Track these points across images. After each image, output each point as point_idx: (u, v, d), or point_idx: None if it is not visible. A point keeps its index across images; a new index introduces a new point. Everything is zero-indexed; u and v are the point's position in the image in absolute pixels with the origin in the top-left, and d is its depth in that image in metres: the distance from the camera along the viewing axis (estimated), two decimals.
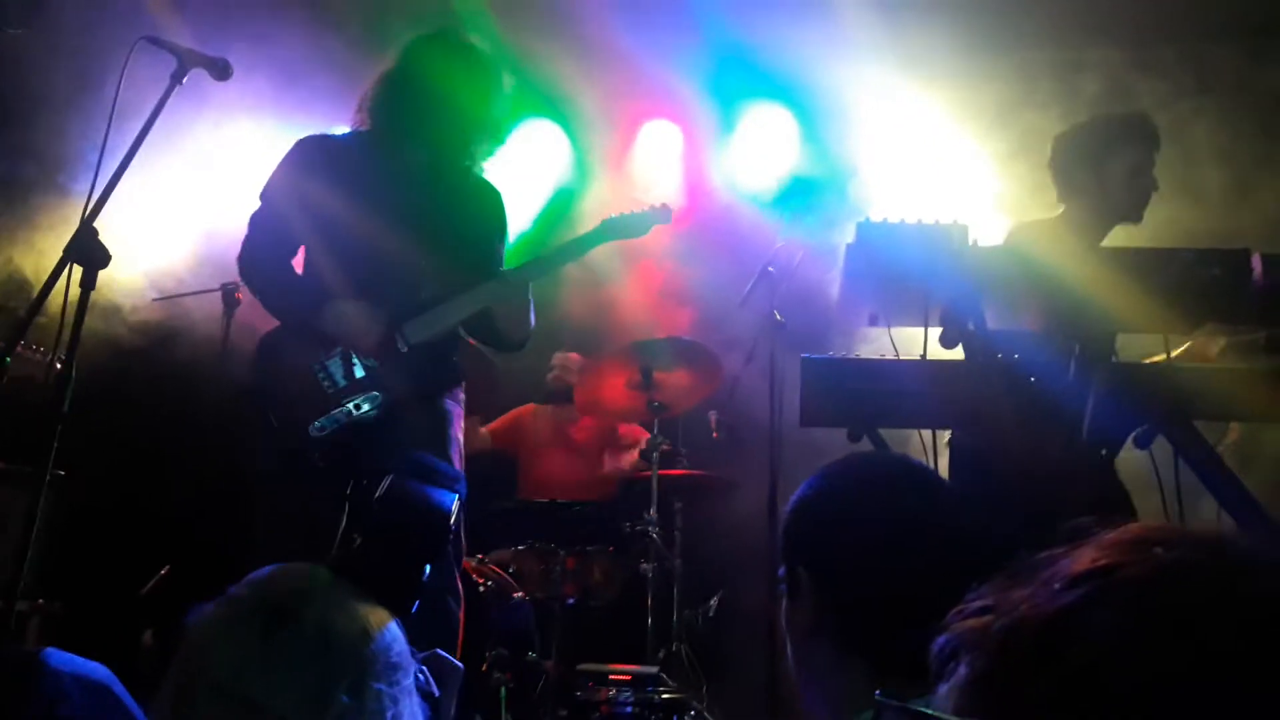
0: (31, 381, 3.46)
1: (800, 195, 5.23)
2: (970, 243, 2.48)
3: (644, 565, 4.27)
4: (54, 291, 2.42)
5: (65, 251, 2.41)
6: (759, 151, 5.64)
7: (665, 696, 3.81)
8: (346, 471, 2.69)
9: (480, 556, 4.16)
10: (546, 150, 5.73)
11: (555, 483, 4.93)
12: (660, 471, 4.39)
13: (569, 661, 4.05)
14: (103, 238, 2.44)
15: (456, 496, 1.85)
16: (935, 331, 2.51)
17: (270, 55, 4.47)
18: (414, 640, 1.42)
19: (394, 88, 3.08)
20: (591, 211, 5.61)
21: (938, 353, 2.54)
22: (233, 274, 4.23)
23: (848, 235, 2.61)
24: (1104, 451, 2.52)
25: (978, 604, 0.69)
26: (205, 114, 4.56)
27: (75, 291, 2.42)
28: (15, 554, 2.33)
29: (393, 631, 1.31)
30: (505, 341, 3.19)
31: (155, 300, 4.74)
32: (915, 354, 2.59)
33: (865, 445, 2.59)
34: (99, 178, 2.51)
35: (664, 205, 3.43)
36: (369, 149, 3.08)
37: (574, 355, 5.27)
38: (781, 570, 1.46)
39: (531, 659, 4.05)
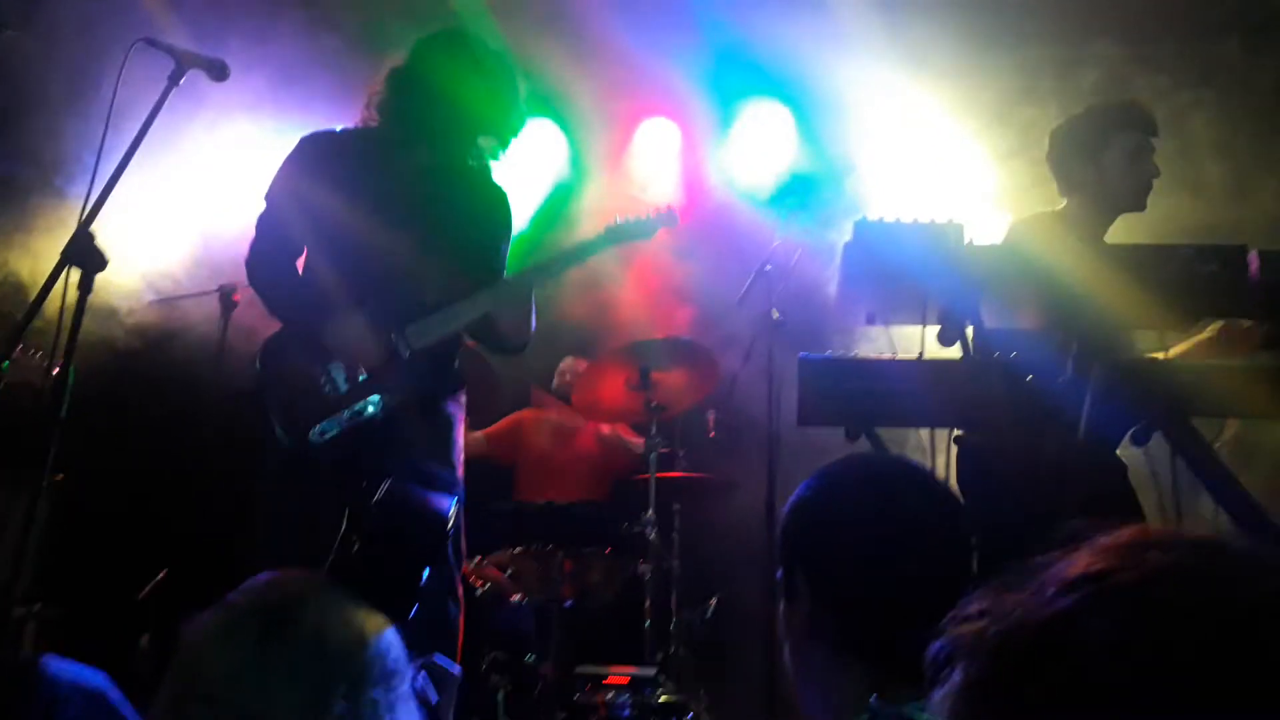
0: (29, 386, 3.46)
1: (798, 193, 5.22)
2: (966, 242, 2.47)
3: (642, 567, 4.26)
4: (51, 295, 2.42)
5: (62, 255, 2.41)
6: (757, 149, 5.63)
7: (663, 699, 3.81)
8: (348, 475, 2.70)
9: (478, 559, 4.16)
10: (544, 149, 5.72)
11: (554, 490, 4.92)
12: (658, 473, 4.39)
13: (567, 664, 4.04)
14: (99, 240, 2.43)
15: (455, 500, 1.85)
16: (933, 330, 2.51)
17: (267, 55, 4.47)
18: (414, 645, 1.42)
19: (404, 85, 3.06)
20: (589, 210, 5.62)
21: (935, 351, 2.54)
22: (229, 276, 4.25)
23: (845, 234, 2.60)
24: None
25: (973, 608, 0.69)
26: (202, 115, 4.56)
27: (72, 295, 2.41)
28: (12, 558, 2.33)
29: (389, 638, 1.31)
30: (506, 345, 3.18)
31: (152, 303, 4.73)
32: (914, 352, 2.59)
33: (864, 444, 2.59)
34: (96, 180, 2.51)
35: (669, 209, 3.40)
36: (376, 146, 3.06)
37: (581, 362, 5.25)
38: (779, 573, 1.46)
39: (529, 662, 4.05)
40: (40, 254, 4.50)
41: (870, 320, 2.75)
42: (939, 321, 2.48)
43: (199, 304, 4.58)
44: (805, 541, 1.44)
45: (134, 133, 2.57)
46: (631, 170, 5.79)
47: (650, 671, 3.96)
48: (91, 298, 2.43)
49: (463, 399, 3.14)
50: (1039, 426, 2.41)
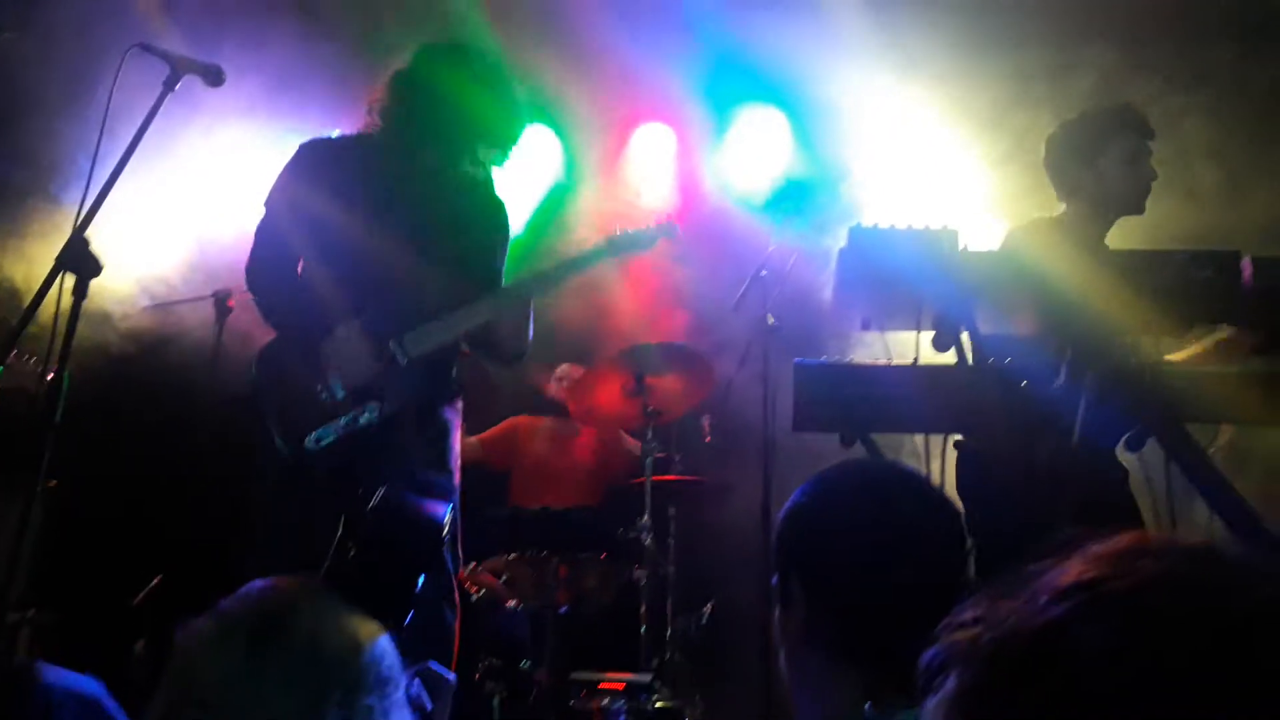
0: (24, 391, 3.45)
1: (793, 198, 5.23)
2: (961, 248, 2.48)
3: (637, 572, 4.25)
4: (45, 300, 2.42)
5: (57, 260, 2.40)
6: (752, 154, 5.64)
7: (659, 704, 3.81)
8: (344, 482, 2.70)
9: (472, 565, 4.15)
10: (539, 154, 5.72)
11: (549, 497, 4.92)
12: (654, 478, 4.38)
13: (562, 670, 4.03)
14: (94, 245, 2.43)
15: (450, 507, 1.85)
16: (928, 336, 2.52)
17: (262, 60, 4.47)
18: (410, 651, 1.42)
19: (406, 92, 3.06)
20: (585, 215, 5.62)
21: (930, 357, 2.54)
22: (224, 281, 4.24)
23: (840, 239, 2.61)
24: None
25: (966, 616, 0.69)
26: (197, 120, 4.56)
27: (67, 300, 2.41)
28: (7, 563, 2.32)
29: (383, 645, 1.31)
30: (503, 354, 3.17)
31: (147, 308, 4.73)
32: (908, 358, 2.59)
33: (859, 450, 2.59)
34: (91, 186, 2.51)
35: (669, 221, 3.38)
36: (375, 153, 3.06)
37: (577, 368, 5.24)
38: (774, 578, 1.46)
39: (524, 668, 4.04)
40: (34, 259, 4.49)
41: (865, 326, 2.75)
42: (934, 327, 2.48)
43: (194, 309, 4.58)
44: (801, 547, 1.44)
45: (129, 138, 2.56)
46: (627, 176, 5.80)
47: (646, 677, 3.96)
48: (86, 303, 2.43)
49: (459, 405, 3.14)
50: (1034, 432, 2.41)
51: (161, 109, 2.62)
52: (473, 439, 5.07)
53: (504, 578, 4.21)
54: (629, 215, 5.55)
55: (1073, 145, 3.19)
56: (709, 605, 4.41)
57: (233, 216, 4.64)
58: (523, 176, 5.56)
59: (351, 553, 1.77)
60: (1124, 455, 2.80)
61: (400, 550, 1.73)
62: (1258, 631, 0.59)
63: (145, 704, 1.33)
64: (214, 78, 2.71)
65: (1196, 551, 0.65)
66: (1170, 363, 2.59)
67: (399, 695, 1.31)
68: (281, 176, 3.06)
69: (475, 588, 4.11)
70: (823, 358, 2.66)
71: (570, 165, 5.81)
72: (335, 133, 3.18)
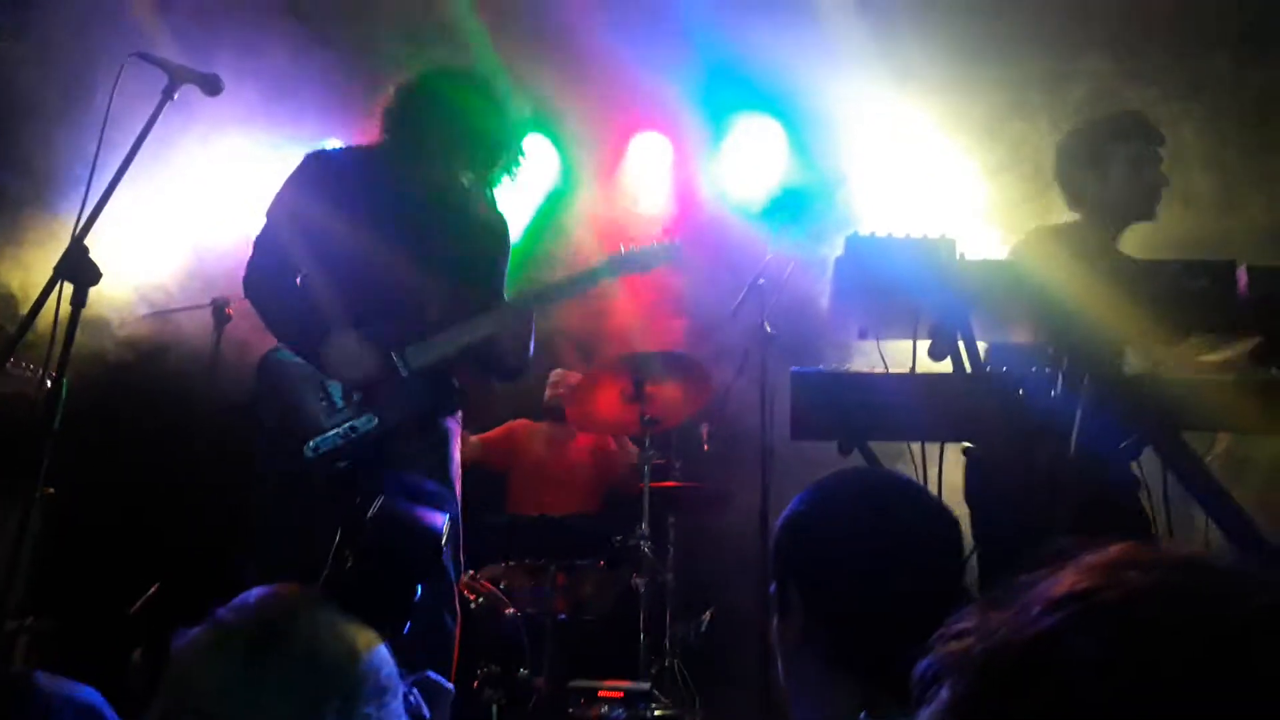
0: (23, 399, 3.45)
1: (790, 207, 5.24)
2: (958, 256, 2.49)
3: (636, 579, 4.25)
4: (44, 308, 2.42)
5: (56, 269, 2.41)
6: (749, 163, 5.65)
7: (658, 713, 3.81)
8: (343, 491, 2.70)
9: (471, 572, 4.15)
10: (537, 163, 5.73)
11: (547, 502, 4.92)
12: (652, 484, 4.39)
13: (561, 678, 4.03)
14: (92, 252, 2.43)
15: (448, 516, 1.85)
16: (924, 345, 2.52)
17: (260, 68, 4.47)
18: (410, 659, 1.42)
19: (410, 107, 3.05)
20: (582, 224, 5.63)
21: (927, 366, 2.55)
22: (222, 289, 4.25)
23: (837, 248, 2.61)
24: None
25: (959, 626, 0.69)
26: (194, 128, 4.56)
27: (65, 309, 2.41)
28: (5, 571, 2.32)
29: (381, 654, 1.31)
30: (503, 369, 3.18)
31: (145, 316, 4.73)
32: (906, 367, 2.60)
33: (856, 458, 2.60)
34: (89, 194, 2.51)
35: (673, 241, 3.36)
36: (379, 166, 3.05)
37: (572, 374, 5.25)
38: (772, 586, 1.47)
39: (523, 676, 4.04)
40: (31, 266, 4.49)
41: (862, 335, 2.76)
42: (930, 336, 2.49)
43: (192, 317, 4.58)
44: (798, 555, 1.44)
45: (126, 146, 2.57)
46: (625, 184, 5.81)
47: (644, 685, 3.96)
48: (84, 310, 2.43)
49: (460, 415, 3.15)
50: (1032, 440, 2.41)
51: (159, 117, 2.63)
52: (473, 438, 5.07)
53: (502, 585, 4.21)
54: (627, 225, 5.58)
55: (1080, 152, 3.17)
56: (708, 612, 4.41)
57: (231, 224, 4.64)
58: (520, 185, 5.57)
59: (350, 561, 1.77)
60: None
61: (398, 559, 1.73)
62: (1253, 639, 0.59)
63: (143, 713, 1.33)
64: (212, 87, 2.72)
65: (1187, 562, 0.66)
66: (1166, 371, 2.59)
67: (397, 704, 1.31)
68: (284, 187, 3.06)
69: (474, 595, 4.11)
70: (820, 366, 2.67)
71: (567, 173, 5.82)
72: (339, 144, 3.19)
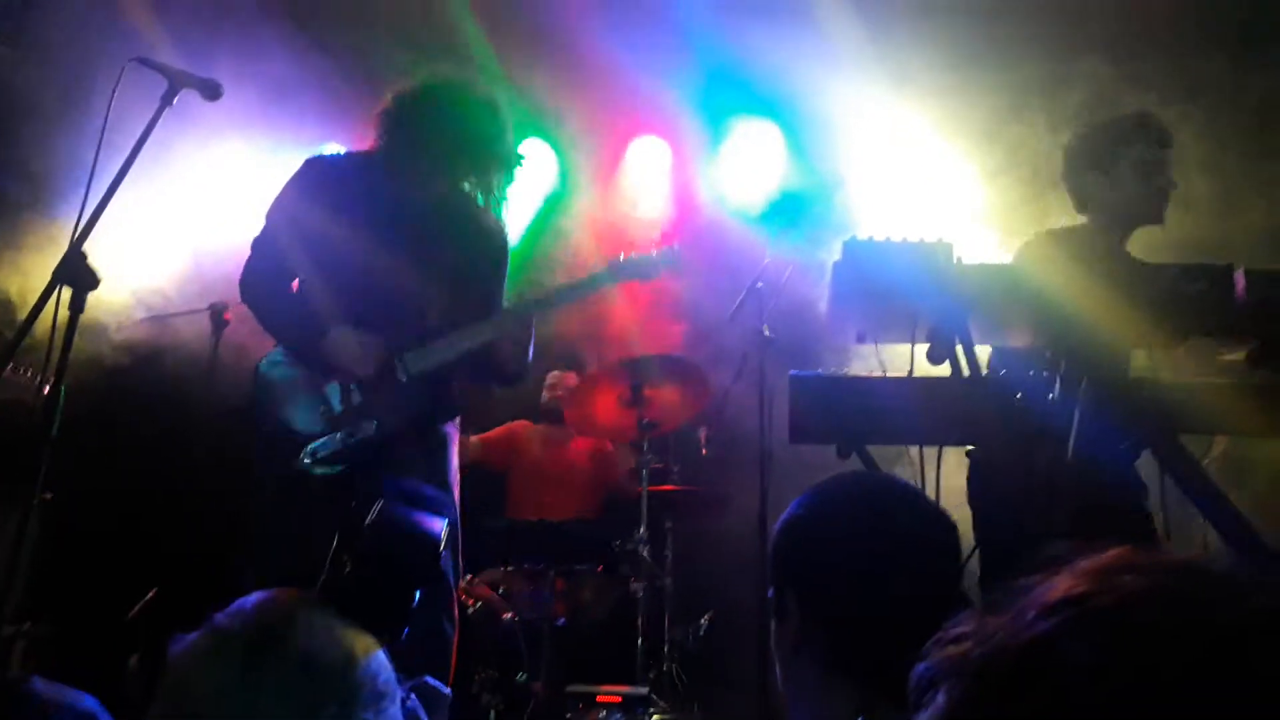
0: (21, 404, 3.45)
1: (788, 211, 5.25)
2: (955, 260, 2.49)
3: (634, 584, 4.25)
4: (42, 314, 2.42)
5: (54, 274, 2.41)
6: (747, 167, 5.66)
7: (656, 718, 3.80)
8: (341, 496, 2.70)
9: (469, 577, 4.15)
10: (535, 167, 5.74)
11: (546, 503, 4.92)
12: (650, 488, 4.38)
13: (559, 683, 4.03)
14: (90, 257, 2.43)
15: (447, 521, 1.85)
16: (922, 348, 2.52)
17: (258, 72, 4.48)
18: (408, 664, 1.42)
19: (410, 114, 3.05)
20: (581, 227, 5.64)
21: (925, 370, 2.55)
22: (220, 293, 4.25)
23: (835, 252, 2.61)
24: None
25: (955, 631, 0.69)
26: (193, 132, 4.56)
27: (64, 314, 2.41)
28: (3, 577, 2.32)
29: (379, 659, 1.31)
30: (502, 376, 3.18)
31: (143, 320, 4.73)
32: (904, 370, 2.60)
33: (855, 462, 2.60)
34: (88, 199, 2.51)
35: (674, 248, 3.35)
36: (378, 171, 3.05)
37: (570, 375, 5.25)
38: (770, 591, 1.47)
39: (521, 681, 4.04)
40: (29, 272, 4.49)
41: (860, 339, 2.76)
42: (928, 340, 2.49)
43: (190, 321, 4.58)
44: (796, 560, 1.44)
45: (125, 150, 2.57)
46: (623, 188, 5.81)
47: (642, 690, 3.95)
48: (82, 315, 2.43)
49: (458, 421, 3.15)
50: (1031, 444, 2.41)
51: (158, 122, 2.63)
52: (474, 439, 5.07)
53: (501, 590, 4.21)
54: (626, 228, 5.58)
55: (1088, 154, 3.14)
56: (706, 617, 4.41)
57: (229, 229, 4.65)
58: (520, 188, 5.57)
59: (348, 566, 1.77)
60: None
61: (397, 564, 1.73)
62: (1249, 642, 0.59)
63: (140, 719, 1.33)
64: (211, 92, 2.72)
65: (1182, 566, 0.66)
66: (1164, 374, 2.59)
67: (395, 709, 1.31)
68: (284, 191, 3.06)
69: (472, 600, 4.11)
70: (818, 370, 2.67)
71: (566, 176, 5.83)
72: (339, 149, 3.19)
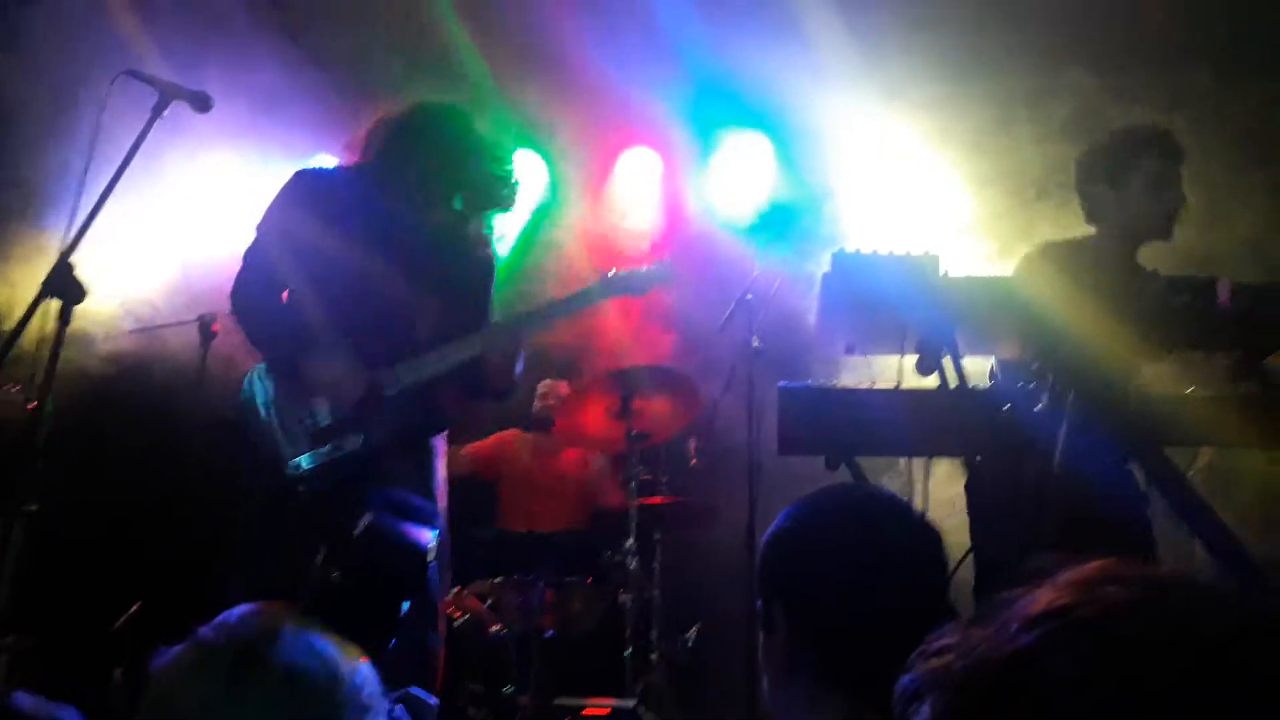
0: (6, 417, 3.43)
1: (778, 223, 5.26)
2: (941, 273, 2.50)
3: (622, 596, 4.24)
4: (29, 325, 2.41)
5: (43, 286, 2.40)
6: (737, 178, 5.67)
7: None
8: (328, 508, 2.69)
9: (457, 589, 4.13)
10: (526, 179, 5.73)
11: (536, 513, 4.91)
12: (639, 500, 4.38)
13: (546, 695, 4.01)
14: (78, 270, 2.43)
15: (434, 533, 1.85)
16: (911, 360, 2.53)
17: (249, 83, 4.47)
18: (395, 676, 1.41)
19: (401, 133, 3.05)
20: (571, 238, 5.64)
21: (913, 381, 2.56)
22: (209, 305, 4.23)
23: (824, 265, 2.63)
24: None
25: (939, 643, 0.70)
26: (182, 143, 4.55)
27: (51, 326, 2.41)
28: None
29: (364, 672, 1.30)
30: (491, 390, 3.18)
31: (131, 331, 4.71)
32: (892, 382, 2.61)
33: (844, 473, 2.60)
34: (77, 210, 2.51)
35: (666, 262, 3.35)
36: (369, 186, 3.05)
37: (561, 385, 5.25)
38: (759, 604, 1.46)
39: (508, 693, 4.01)
40: (16, 283, 4.47)
41: (849, 350, 2.77)
42: (917, 351, 2.50)
43: (178, 333, 4.56)
44: (784, 572, 1.44)
45: (115, 161, 2.57)
46: (613, 199, 5.82)
47: (630, 702, 3.94)
48: (69, 326, 2.43)
49: (445, 434, 3.14)
50: (1019, 454, 2.42)
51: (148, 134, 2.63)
52: (463, 452, 5.05)
53: (489, 602, 4.19)
54: (616, 240, 5.59)
55: (1098, 168, 3.11)
56: (695, 628, 4.39)
57: (217, 240, 4.64)
58: (513, 211, 5.57)
59: (334, 578, 1.77)
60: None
61: (384, 576, 1.72)
62: (1231, 654, 0.59)
63: None
64: (202, 104, 2.72)
65: (1165, 578, 0.66)
66: (1149, 387, 2.61)
67: None
68: (275, 203, 3.05)
69: (459, 612, 4.09)
70: (807, 381, 2.68)
71: (556, 188, 5.83)
72: (330, 162, 3.19)
